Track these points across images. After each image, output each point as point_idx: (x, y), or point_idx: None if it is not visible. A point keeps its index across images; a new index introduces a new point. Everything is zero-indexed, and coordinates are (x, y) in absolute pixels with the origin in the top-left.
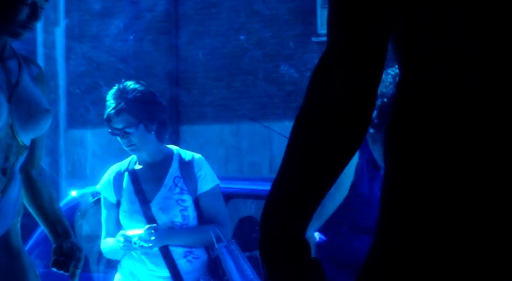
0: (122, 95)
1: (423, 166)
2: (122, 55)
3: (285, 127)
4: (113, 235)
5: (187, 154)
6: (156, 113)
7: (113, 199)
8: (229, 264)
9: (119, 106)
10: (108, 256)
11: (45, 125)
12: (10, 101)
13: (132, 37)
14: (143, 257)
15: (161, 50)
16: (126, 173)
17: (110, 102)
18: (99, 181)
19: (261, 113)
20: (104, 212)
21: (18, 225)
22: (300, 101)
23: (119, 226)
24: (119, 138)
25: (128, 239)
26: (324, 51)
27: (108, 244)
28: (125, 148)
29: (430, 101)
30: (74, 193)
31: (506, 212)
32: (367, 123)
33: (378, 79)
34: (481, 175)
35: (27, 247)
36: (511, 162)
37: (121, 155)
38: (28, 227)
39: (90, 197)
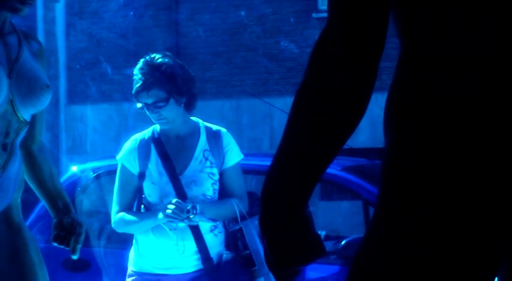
0: (150, 69)
1: (423, 167)
2: (122, 31)
3: (285, 103)
4: (131, 208)
5: (213, 127)
6: (186, 86)
7: (135, 170)
8: (254, 239)
9: (149, 81)
10: (124, 229)
11: (45, 101)
12: (10, 76)
13: (132, 13)
14: (171, 232)
15: (161, 26)
16: (151, 144)
17: (138, 77)
18: (99, 156)
19: (262, 89)
20: (120, 183)
21: (19, 200)
22: (300, 77)
23: (134, 198)
24: (148, 112)
25: (181, 209)
26: (324, 27)
27: (130, 216)
28: (154, 122)
29: (431, 101)
30: (74, 169)
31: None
32: (368, 97)
33: (378, 56)
34: (481, 165)
35: (28, 222)
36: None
37: (121, 131)
38: (28, 203)
39: (91, 173)
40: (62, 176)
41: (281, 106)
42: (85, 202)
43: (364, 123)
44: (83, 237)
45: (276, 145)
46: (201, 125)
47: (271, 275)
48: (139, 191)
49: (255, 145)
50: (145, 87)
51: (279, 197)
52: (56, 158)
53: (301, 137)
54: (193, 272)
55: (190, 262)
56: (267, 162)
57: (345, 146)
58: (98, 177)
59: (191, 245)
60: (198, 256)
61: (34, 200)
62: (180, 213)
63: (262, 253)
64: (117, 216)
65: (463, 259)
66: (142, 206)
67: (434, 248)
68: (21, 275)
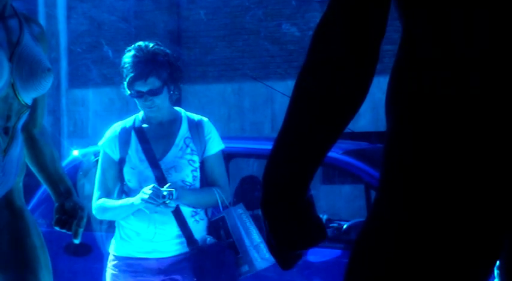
0: (147, 57)
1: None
2: (123, 14)
3: (286, 86)
4: (111, 194)
5: (194, 116)
6: (178, 76)
7: (115, 156)
8: (237, 227)
9: (147, 69)
10: (104, 216)
11: (46, 84)
12: (11, 60)
13: None
14: (154, 216)
15: (162, 9)
16: (132, 131)
17: (132, 64)
18: (101, 140)
19: (263, 73)
20: (101, 169)
21: (21, 184)
22: (301, 61)
23: (115, 185)
24: (137, 100)
25: (157, 194)
26: (326, 10)
27: (110, 203)
28: (141, 109)
29: (431, 100)
30: (75, 153)
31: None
32: (370, 78)
33: (380, 37)
34: (481, 160)
35: (29, 206)
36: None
37: (122, 114)
38: (30, 187)
39: (92, 157)
40: (64, 160)
41: (283, 89)
42: (86, 186)
43: (365, 107)
44: (84, 221)
45: (278, 129)
46: (183, 114)
47: (255, 263)
48: (120, 177)
49: (257, 129)
50: (143, 75)
51: (281, 181)
52: (57, 142)
53: (303, 121)
54: (174, 256)
55: (171, 246)
56: (269, 146)
57: (347, 130)
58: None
59: (172, 229)
60: (179, 240)
61: (36, 184)
62: (156, 198)
63: (245, 241)
64: (97, 203)
65: (462, 248)
66: (124, 194)
67: (434, 236)
68: (23, 259)
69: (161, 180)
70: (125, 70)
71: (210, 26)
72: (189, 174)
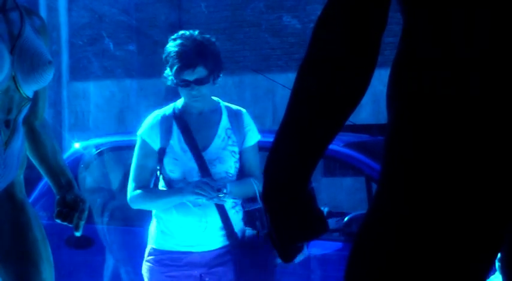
0: (195, 46)
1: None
2: (124, 7)
3: (287, 79)
4: (149, 184)
5: (232, 106)
6: (221, 65)
7: (156, 145)
8: None
9: (196, 58)
10: (144, 205)
11: (47, 77)
12: (12, 52)
13: None
14: (196, 209)
15: (163, 2)
16: (173, 120)
17: (180, 53)
18: (101, 133)
19: (264, 65)
20: (139, 158)
21: (22, 177)
22: (302, 53)
23: (153, 175)
24: (182, 89)
25: (212, 187)
26: (325, 6)
27: (151, 193)
28: (185, 98)
29: (431, 100)
30: (77, 145)
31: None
32: (370, 76)
33: (380, 33)
34: (481, 159)
35: (31, 199)
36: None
37: (123, 107)
38: (31, 179)
39: (93, 149)
40: (65, 152)
41: (283, 82)
42: (88, 179)
43: (366, 100)
44: (86, 214)
45: (279, 121)
46: (221, 104)
47: None
48: (158, 167)
49: (258, 121)
50: (192, 64)
51: (282, 173)
52: (58, 135)
53: (303, 116)
54: (218, 249)
55: (215, 239)
56: (270, 138)
57: (348, 122)
58: (100, 154)
59: (215, 221)
60: (222, 232)
61: (37, 176)
62: (212, 191)
63: None
64: (135, 192)
65: (463, 241)
66: (163, 182)
67: (435, 229)
68: (25, 252)
69: (205, 172)
70: (170, 59)
71: (211, 19)
72: (232, 165)
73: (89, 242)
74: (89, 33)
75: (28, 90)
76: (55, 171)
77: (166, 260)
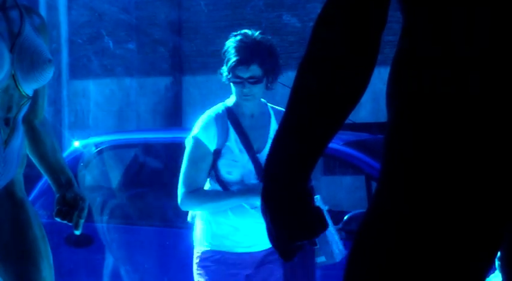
0: (253, 44)
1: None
2: (123, 5)
3: (287, 77)
4: (202, 186)
5: (278, 108)
6: (278, 69)
7: (212, 146)
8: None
9: (252, 56)
10: (198, 208)
11: (47, 76)
12: (12, 51)
13: None
14: (253, 211)
15: (163, 0)
16: (228, 121)
17: (237, 49)
18: (101, 131)
19: None
20: (194, 159)
21: (22, 175)
22: (302, 51)
23: (206, 176)
24: (234, 85)
25: None
26: (325, 5)
27: (206, 195)
28: (236, 96)
29: (431, 99)
30: (76, 144)
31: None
32: (369, 74)
33: (380, 32)
34: (482, 157)
35: (30, 197)
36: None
37: (123, 105)
38: (31, 178)
39: (93, 148)
40: (65, 151)
41: (283, 80)
42: (87, 177)
43: (366, 98)
44: (85, 212)
45: None
46: (268, 105)
47: (334, 254)
48: (211, 169)
49: None
50: (247, 61)
51: (281, 172)
52: (58, 133)
53: (303, 115)
54: (268, 248)
55: (266, 239)
56: None
57: (347, 121)
58: (100, 152)
59: None
60: None
61: (37, 175)
62: None
63: (327, 233)
64: (190, 194)
65: (462, 240)
66: (214, 184)
67: (435, 228)
68: (24, 250)
69: (262, 174)
70: (227, 54)
71: (211, 17)
72: None
73: (89, 240)
74: (88, 32)
75: (28, 89)
76: (55, 169)
77: (219, 260)
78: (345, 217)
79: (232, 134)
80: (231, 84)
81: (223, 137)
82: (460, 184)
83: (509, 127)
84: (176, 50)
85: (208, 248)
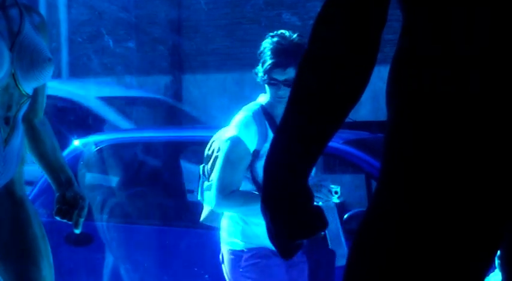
0: (291, 46)
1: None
2: (123, 4)
3: None
4: (238, 187)
5: None
6: None
7: (252, 146)
8: (335, 221)
9: (288, 58)
10: (235, 210)
11: (47, 74)
12: (12, 49)
13: None
14: None
15: None
16: (266, 122)
17: (274, 51)
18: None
19: None
20: (232, 160)
21: (22, 174)
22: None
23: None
24: (269, 87)
25: (330, 191)
26: (326, 0)
27: (246, 197)
28: (270, 97)
29: (431, 98)
30: (76, 142)
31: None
32: (369, 73)
33: (379, 31)
34: (481, 156)
35: (30, 196)
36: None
37: (122, 105)
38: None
39: (93, 146)
40: (64, 150)
41: None
42: (87, 176)
43: (366, 97)
44: (85, 211)
45: None
46: None
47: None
48: (248, 170)
49: None
50: (284, 64)
51: (281, 170)
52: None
53: (303, 110)
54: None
55: None
56: None
57: (347, 119)
58: (100, 151)
59: None
60: None
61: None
62: (328, 194)
63: (341, 235)
64: (227, 196)
65: (462, 239)
66: (252, 184)
67: (435, 227)
68: (24, 249)
69: None
70: (263, 55)
71: (211, 16)
72: (314, 168)
73: (89, 239)
74: (88, 30)
75: (28, 88)
76: (55, 168)
77: (271, 253)
78: (345, 216)
79: (271, 135)
80: (266, 85)
81: (263, 137)
82: (460, 183)
83: (509, 126)
84: (176, 49)
85: (254, 246)
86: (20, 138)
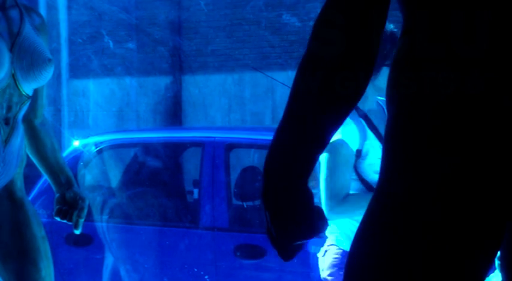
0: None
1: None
2: (123, 4)
3: (287, 77)
4: (349, 190)
5: (383, 99)
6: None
7: (354, 146)
8: None
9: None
10: (350, 215)
11: (47, 75)
12: (12, 50)
13: None
14: None
15: None
16: (361, 119)
17: None
18: (101, 131)
19: (264, 63)
20: (340, 163)
21: (21, 175)
22: (302, 51)
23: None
24: None
25: None
26: (326, 1)
27: (361, 200)
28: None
29: (431, 99)
30: (76, 143)
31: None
32: (369, 75)
33: (379, 34)
34: (483, 157)
35: (30, 197)
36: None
37: (123, 105)
38: (31, 177)
39: (93, 147)
40: (64, 150)
41: (283, 80)
42: (87, 177)
43: None
44: (85, 212)
45: (278, 119)
46: (379, 99)
47: None
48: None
49: (257, 119)
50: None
51: (281, 171)
52: (58, 132)
53: (303, 111)
54: None
55: None
56: (269, 136)
57: None
58: (100, 151)
59: None
60: None
61: (36, 174)
62: None
63: None
64: (341, 203)
65: (462, 239)
66: (360, 185)
67: (434, 227)
68: (24, 250)
69: None
70: None
71: (211, 17)
72: None
73: (89, 240)
74: (88, 31)
75: (27, 88)
76: (54, 169)
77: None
78: None
79: (369, 131)
80: None
81: (363, 135)
82: (460, 183)
83: (510, 127)
84: (176, 50)
85: (344, 248)
86: (20, 139)
